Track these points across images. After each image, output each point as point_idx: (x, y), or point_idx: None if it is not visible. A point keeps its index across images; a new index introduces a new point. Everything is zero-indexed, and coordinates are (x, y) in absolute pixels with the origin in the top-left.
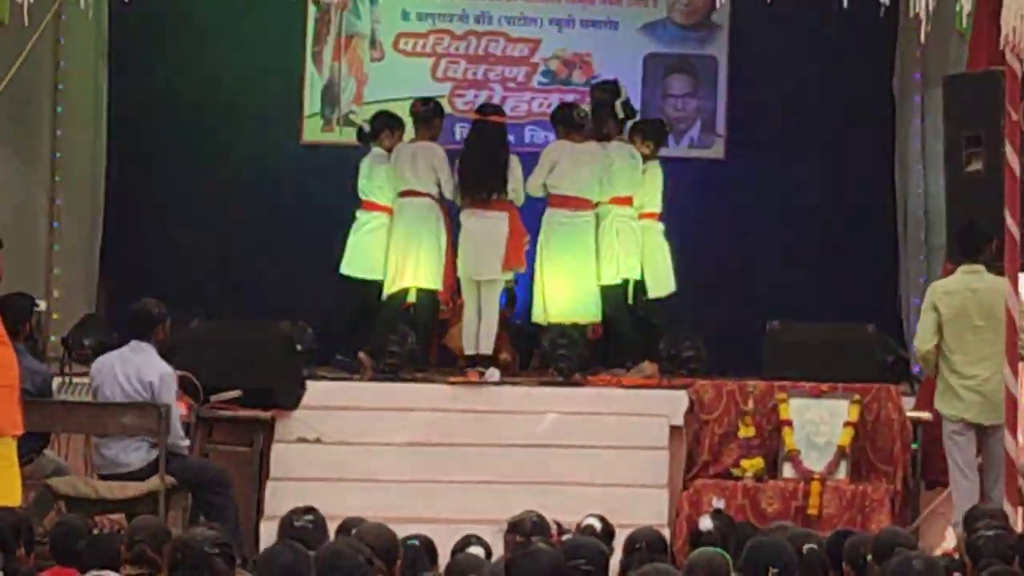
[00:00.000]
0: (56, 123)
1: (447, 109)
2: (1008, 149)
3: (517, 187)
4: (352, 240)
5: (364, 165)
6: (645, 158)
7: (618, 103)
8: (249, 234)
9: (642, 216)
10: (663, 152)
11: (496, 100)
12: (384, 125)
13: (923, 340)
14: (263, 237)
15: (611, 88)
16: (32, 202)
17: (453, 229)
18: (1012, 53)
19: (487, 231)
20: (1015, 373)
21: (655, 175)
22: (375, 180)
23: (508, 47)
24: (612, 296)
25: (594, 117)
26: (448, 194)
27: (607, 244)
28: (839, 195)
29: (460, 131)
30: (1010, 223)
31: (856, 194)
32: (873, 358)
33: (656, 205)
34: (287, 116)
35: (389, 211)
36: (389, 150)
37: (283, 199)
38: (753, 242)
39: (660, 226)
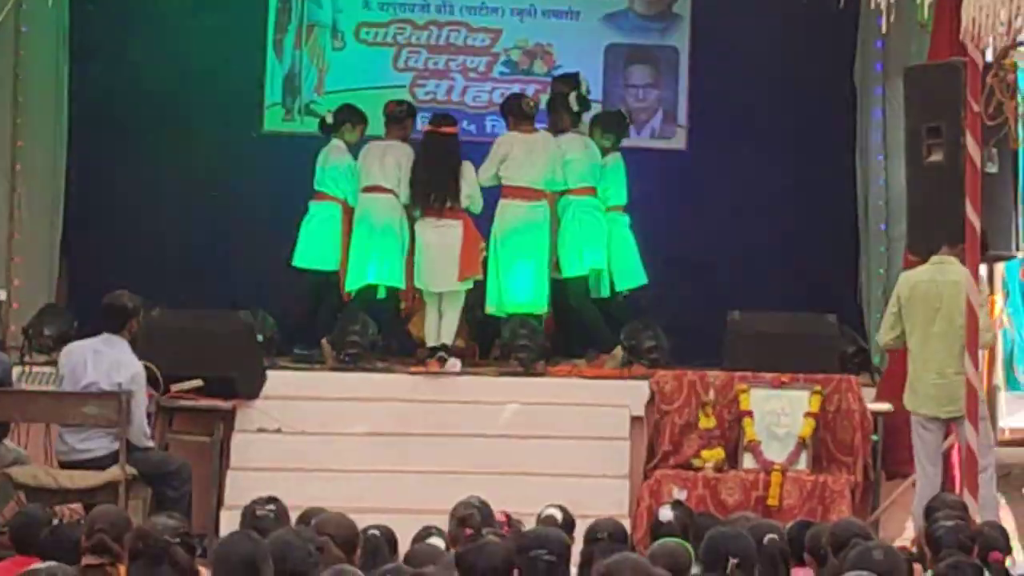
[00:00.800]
0: (17, 112)
1: (407, 98)
2: (969, 140)
3: (472, 193)
4: (304, 231)
5: (320, 156)
6: (606, 150)
7: (572, 95)
8: (210, 224)
9: (608, 209)
10: (624, 143)
11: (457, 90)
12: (347, 118)
13: (882, 332)
14: (224, 227)
15: (569, 80)
16: None
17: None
18: (973, 44)
19: (442, 241)
20: (975, 364)
21: (617, 167)
22: (329, 171)
23: (469, 37)
24: (576, 287)
25: (550, 109)
26: (404, 198)
27: (569, 235)
28: (800, 186)
29: (421, 121)
30: (970, 214)
31: (817, 185)
32: (834, 349)
33: (621, 198)
34: (248, 105)
35: (341, 203)
36: (348, 143)
37: (244, 189)
38: (714, 232)
39: (625, 219)
